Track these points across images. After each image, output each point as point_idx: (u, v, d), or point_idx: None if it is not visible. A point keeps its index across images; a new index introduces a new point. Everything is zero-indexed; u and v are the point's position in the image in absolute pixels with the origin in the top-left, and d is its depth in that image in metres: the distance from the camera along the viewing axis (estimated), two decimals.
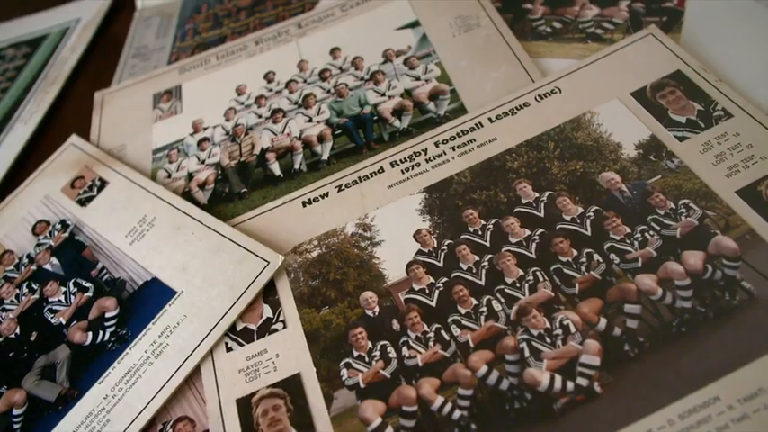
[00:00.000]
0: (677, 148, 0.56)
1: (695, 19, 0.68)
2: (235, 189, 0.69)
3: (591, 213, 0.55)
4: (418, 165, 0.63)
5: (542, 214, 0.56)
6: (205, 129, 0.76)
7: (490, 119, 0.64)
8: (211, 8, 0.98)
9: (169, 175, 0.72)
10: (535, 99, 0.64)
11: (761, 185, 0.52)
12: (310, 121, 0.72)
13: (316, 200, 0.63)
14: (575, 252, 0.52)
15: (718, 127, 0.57)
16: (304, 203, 0.63)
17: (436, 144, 0.64)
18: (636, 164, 0.57)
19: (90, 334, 0.61)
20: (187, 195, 0.69)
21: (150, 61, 0.92)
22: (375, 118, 0.70)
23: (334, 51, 0.79)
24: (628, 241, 0.52)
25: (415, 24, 0.78)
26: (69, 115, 0.89)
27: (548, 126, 0.62)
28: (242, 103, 0.78)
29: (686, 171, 0.55)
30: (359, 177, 0.64)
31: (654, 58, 0.63)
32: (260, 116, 0.75)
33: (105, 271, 0.66)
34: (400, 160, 0.64)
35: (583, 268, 0.51)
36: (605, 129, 0.60)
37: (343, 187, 0.64)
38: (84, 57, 0.98)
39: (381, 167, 0.64)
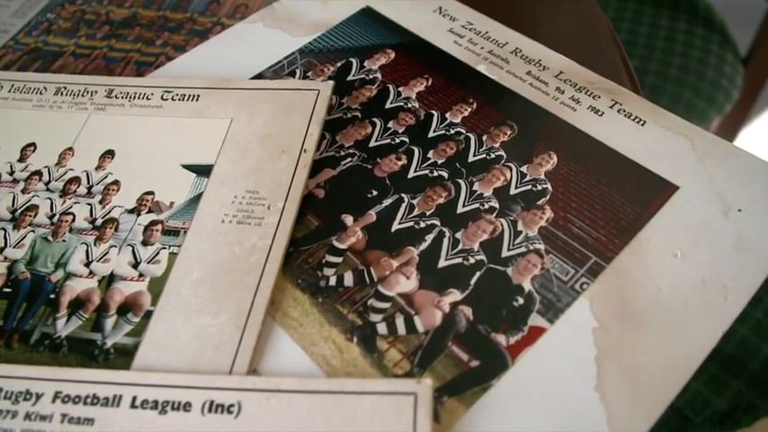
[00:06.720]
0: None
1: (506, 389, 0.42)
2: None
3: None
4: (14, 416, 0.44)
5: None
6: None
7: (134, 401, 0.43)
8: (88, 2, 0.77)
9: None
10: (202, 408, 0.42)
11: None
12: (2, 250, 0.54)
13: None
14: None
15: None
16: None
17: (54, 398, 0.44)
18: None
19: None
20: None
21: None
22: (53, 296, 0.50)
23: (104, 157, 0.58)
24: None
25: (204, 171, 0.55)
26: None
27: None
28: None
29: None
30: None
31: None
32: None
33: None
34: (4, 396, 0.45)
35: None
36: None
37: None
38: None
39: None
